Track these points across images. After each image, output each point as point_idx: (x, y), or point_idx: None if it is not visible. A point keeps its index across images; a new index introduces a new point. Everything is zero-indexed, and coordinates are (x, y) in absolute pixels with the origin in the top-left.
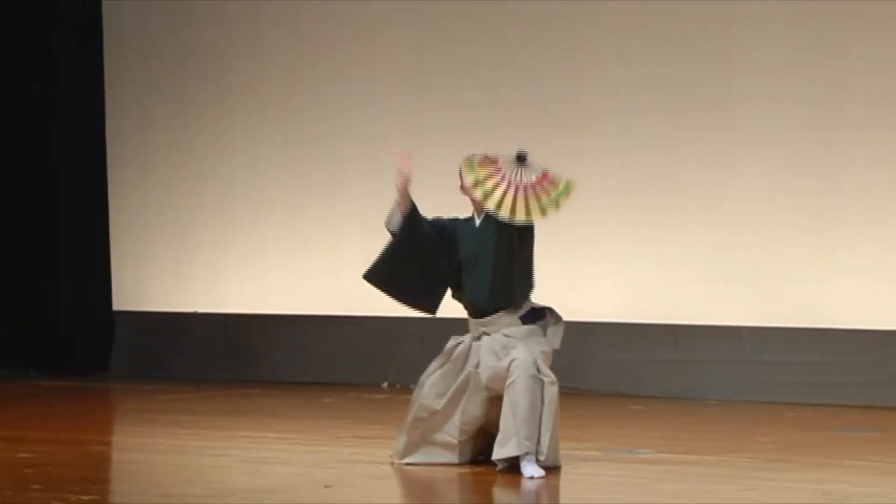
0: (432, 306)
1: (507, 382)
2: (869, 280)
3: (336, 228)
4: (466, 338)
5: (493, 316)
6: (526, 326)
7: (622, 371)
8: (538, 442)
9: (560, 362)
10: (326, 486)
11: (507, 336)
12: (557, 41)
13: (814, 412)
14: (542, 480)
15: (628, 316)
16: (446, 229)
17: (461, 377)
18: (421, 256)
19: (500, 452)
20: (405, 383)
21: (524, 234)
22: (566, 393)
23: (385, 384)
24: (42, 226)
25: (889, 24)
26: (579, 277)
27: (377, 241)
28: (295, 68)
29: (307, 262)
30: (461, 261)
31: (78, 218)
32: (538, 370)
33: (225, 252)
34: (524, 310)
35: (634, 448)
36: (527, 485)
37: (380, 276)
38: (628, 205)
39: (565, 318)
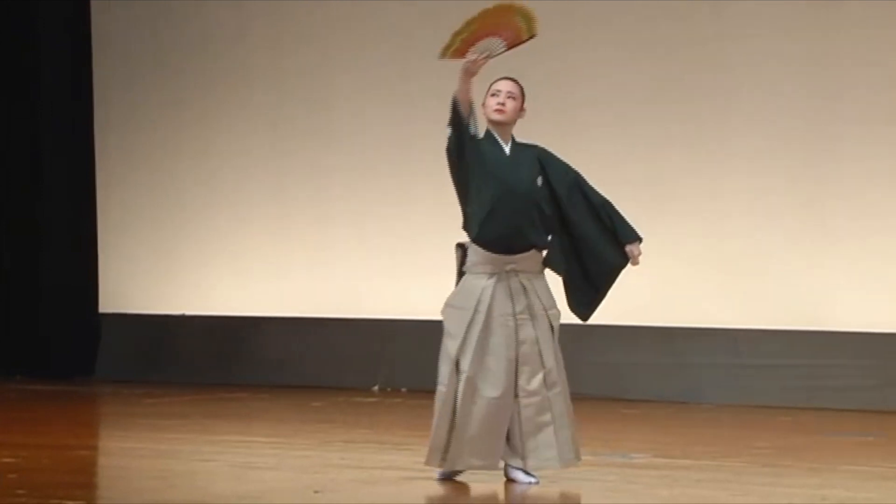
0: None
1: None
2: (865, 283)
3: (324, 229)
4: (483, 280)
5: (525, 254)
6: (545, 281)
7: (615, 374)
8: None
9: None
10: (315, 492)
11: (531, 296)
12: (548, 37)
13: (809, 416)
14: (533, 485)
15: (622, 318)
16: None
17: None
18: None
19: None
20: (396, 386)
21: (559, 173)
22: None
23: (375, 387)
24: (28, 228)
25: (885, 21)
26: None
27: (365, 242)
28: (281, 67)
29: (295, 263)
30: (484, 185)
31: (65, 219)
32: (544, 385)
33: (212, 254)
34: (548, 250)
35: (628, 452)
36: (517, 489)
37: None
38: (621, 205)
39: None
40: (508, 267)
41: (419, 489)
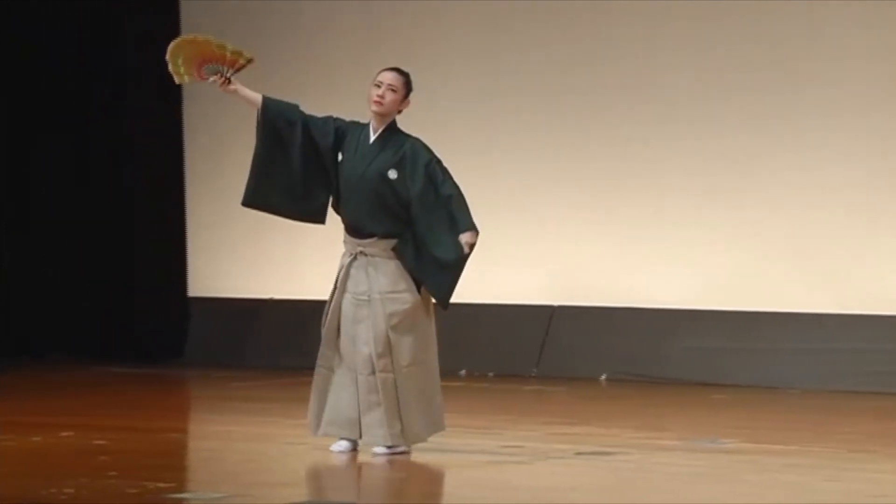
0: (317, 215)
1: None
2: None
3: None
4: (344, 258)
5: (369, 240)
6: (393, 267)
7: (703, 359)
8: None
9: (639, 350)
10: (401, 475)
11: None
12: (627, 21)
13: None
14: (620, 468)
15: (709, 303)
16: (326, 127)
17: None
18: (290, 160)
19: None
20: (482, 371)
21: (419, 167)
22: (645, 381)
23: (462, 372)
24: (118, 212)
25: None
26: (660, 264)
27: None
28: (366, 57)
29: None
30: (340, 171)
31: (155, 204)
32: (372, 364)
33: (301, 238)
34: (399, 240)
35: (717, 438)
36: (606, 473)
37: (256, 197)
38: (709, 191)
39: (645, 305)
40: (358, 249)
41: (505, 473)
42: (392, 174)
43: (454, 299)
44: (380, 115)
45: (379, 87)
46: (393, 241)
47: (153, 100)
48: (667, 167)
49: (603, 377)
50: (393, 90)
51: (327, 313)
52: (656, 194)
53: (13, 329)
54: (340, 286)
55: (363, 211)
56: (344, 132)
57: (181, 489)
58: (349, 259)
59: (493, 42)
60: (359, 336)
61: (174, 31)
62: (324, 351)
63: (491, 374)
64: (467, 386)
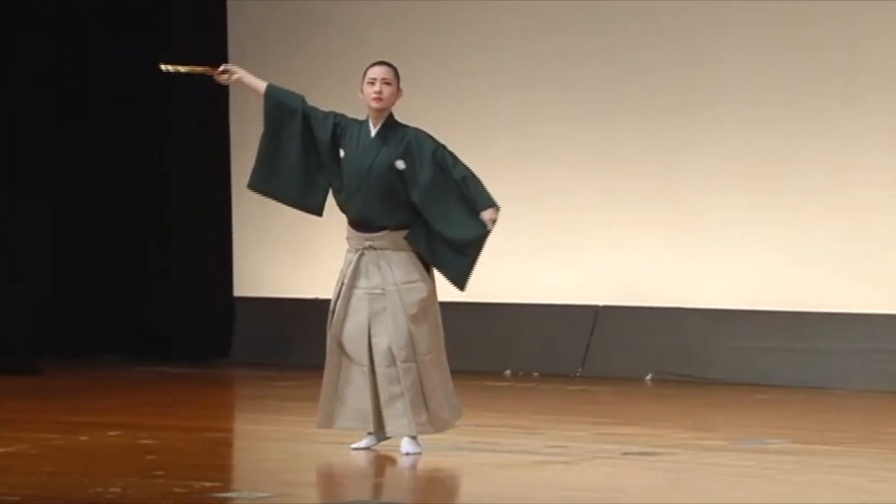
0: (315, 207)
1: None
2: None
3: None
4: (350, 254)
5: (380, 233)
6: (404, 258)
7: (749, 359)
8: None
9: (685, 350)
10: (444, 474)
11: (383, 270)
12: (677, 23)
13: None
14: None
15: (755, 303)
16: (326, 122)
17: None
18: (291, 149)
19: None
20: (527, 370)
21: (426, 156)
22: (691, 381)
23: (507, 372)
24: (164, 212)
25: None
26: (705, 263)
27: (506, 226)
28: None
29: None
30: (344, 167)
31: (200, 203)
32: (392, 357)
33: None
34: (410, 230)
35: (763, 438)
36: (653, 473)
37: (259, 182)
38: (754, 190)
39: (690, 305)
40: (367, 243)
41: (552, 473)
42: (400, 164)
43: (499, 299)
44: (379, 111)
45: (374, 83)
46: (404, 232)
47: (200, 96)
48: (712, 167)
49: (648, 377)
50: (388, 83)
51: (333, 311)
52: (702, 194)
53: (60, 330)
54: (349, 282)
55: (373, 204)
56: (344, 128)
57: (227, 489)
58: (356, 255)
59: (535, 43)
60: (376, 329)
61: (222, 21)
62: (332, 347)
63: (536, 373)
64: (512, 386)
